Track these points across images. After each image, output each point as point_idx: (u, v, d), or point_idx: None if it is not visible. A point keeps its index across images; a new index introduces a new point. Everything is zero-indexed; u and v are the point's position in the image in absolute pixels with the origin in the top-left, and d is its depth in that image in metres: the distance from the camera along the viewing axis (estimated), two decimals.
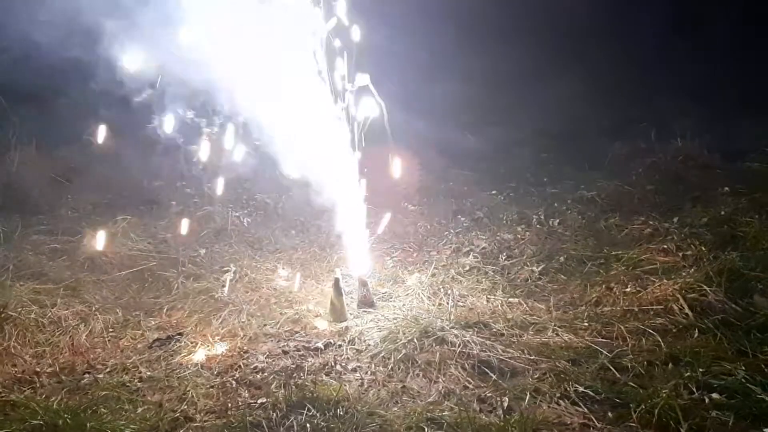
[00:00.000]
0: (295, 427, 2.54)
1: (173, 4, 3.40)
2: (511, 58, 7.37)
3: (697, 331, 3.08)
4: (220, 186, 4.31)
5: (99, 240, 4.08)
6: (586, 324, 3.29)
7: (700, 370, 2.71)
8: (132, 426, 2.56)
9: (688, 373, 2.69)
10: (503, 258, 4.25)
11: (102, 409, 2.68)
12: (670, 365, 2.81)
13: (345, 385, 2.83)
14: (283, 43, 3.52)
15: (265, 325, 3.49)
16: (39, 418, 2.57)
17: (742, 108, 6.65)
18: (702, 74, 7.19)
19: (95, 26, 3.62)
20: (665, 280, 3.51)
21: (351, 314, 3.61)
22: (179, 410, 2.69)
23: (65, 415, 2.58)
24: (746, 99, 6.74)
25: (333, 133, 3.73)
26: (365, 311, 3.65)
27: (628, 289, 3.55)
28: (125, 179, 5.45)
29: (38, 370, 3.05)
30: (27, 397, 2.81)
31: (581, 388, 2.69)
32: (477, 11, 7.34)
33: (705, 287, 3.34)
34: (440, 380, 2.85)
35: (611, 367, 2.84)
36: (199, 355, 3.16)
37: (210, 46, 3.48)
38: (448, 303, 3.62)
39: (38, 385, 2.93)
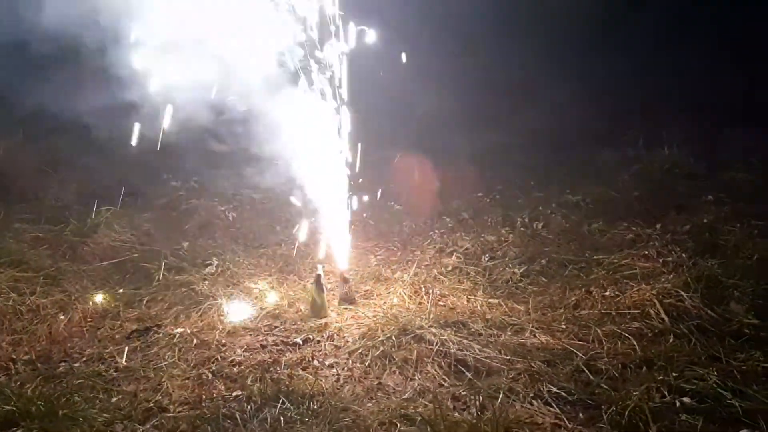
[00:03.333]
0: (269, 420, 2.55)
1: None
2: (502, 64, 7.41)
3: (672, 335, 3.10)
4: None
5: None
6: (564, 326, 3.31)
7: (673, 374, 2.73)
8: (105, 415, 2.56)
9: (661, 377, 2.71)
10: (486, 259, 4.27)
11: (76, 398, 2.68)
12: (644, 369, 2.83)
13: (321, 380, 2.84)
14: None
15: (244, 318, 3.49)
16: (12, 404, 2.56)
17: (729, 118, 6.70)
18: (691, 84, 7.23)
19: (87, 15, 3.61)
20: (644, 285, 3.54)
21: (332, 310, 3.61)
22: (153, 400, 2.69)
23: (38, 402, 2.58)
24: (734, 110, 6.80)
25: (321, 126, 3.73)
26: (346, 308, 3.66)
27: (607, 293, 3.57)
28: (110, 170, 5.43)
29: (14, 357, 3.05)
30: (1, 383, 2.81)
31: (555, 389, 2.71)
32: (469, 16, 7.36)
33: (682, 293, 3.37)
34: (416, 378, 2.87)
35: (585, 369, 2.86)
36: None
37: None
38: (428, 302, 3.63)
39: (13, 372, 2.93)
